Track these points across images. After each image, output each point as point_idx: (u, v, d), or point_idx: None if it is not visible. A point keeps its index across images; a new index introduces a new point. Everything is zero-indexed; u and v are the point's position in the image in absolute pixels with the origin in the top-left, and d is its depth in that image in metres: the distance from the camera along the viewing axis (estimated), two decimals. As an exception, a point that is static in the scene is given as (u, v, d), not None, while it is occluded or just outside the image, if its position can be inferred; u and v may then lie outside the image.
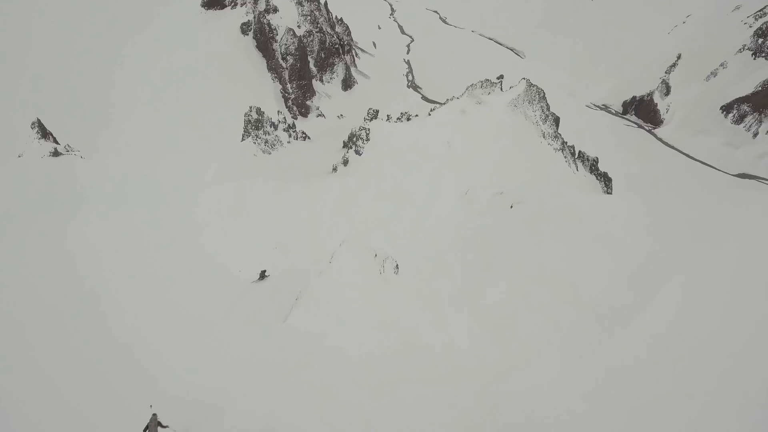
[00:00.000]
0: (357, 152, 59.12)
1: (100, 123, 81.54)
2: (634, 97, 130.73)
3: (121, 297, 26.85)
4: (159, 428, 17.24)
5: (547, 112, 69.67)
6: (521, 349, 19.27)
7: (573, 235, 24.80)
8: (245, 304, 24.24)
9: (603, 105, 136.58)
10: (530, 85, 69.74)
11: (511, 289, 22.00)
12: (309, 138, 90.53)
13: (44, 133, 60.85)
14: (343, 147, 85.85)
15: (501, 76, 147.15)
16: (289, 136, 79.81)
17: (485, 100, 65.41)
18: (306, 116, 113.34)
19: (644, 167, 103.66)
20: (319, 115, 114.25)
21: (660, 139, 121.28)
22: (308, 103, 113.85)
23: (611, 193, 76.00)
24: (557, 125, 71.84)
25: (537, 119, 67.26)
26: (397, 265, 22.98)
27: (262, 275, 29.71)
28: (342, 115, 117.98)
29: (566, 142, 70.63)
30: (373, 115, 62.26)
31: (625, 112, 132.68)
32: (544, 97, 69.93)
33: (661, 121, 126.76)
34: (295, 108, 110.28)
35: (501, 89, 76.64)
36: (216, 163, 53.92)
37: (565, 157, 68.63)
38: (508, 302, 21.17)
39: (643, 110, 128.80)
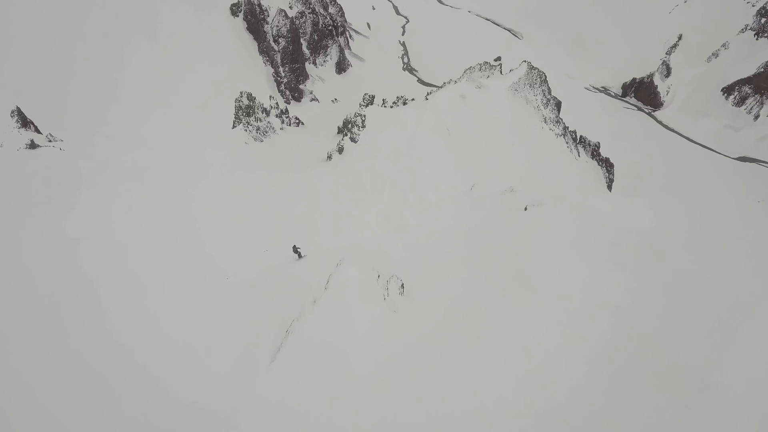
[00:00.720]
0: (352, 139, 56.83)
1: (84, 110, 78.63)
2: (634, 79, 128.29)
3: (121, 296, 24.96)
4: None
5: (549, 96, 67.44)
6: (560, 412, 14.20)
7: (608, 248, 20.34)
8: (238, 314, 22.41)
9: (602, 87, 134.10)
10: (531, 68, 67.33)
11: (545, 321, 17.45)
12: (303, 124, 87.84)
13: (24, 122, 58.13)
14: (338, 133, 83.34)
15: (498, 58, 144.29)
16: (282, 122, 77.13)
17: (485, 84, 63.03)
18: (299, 101, 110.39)
19: (645, 152, 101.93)
20: (312, 100, 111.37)
21: (660, 122, 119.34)
22: (301, 87, 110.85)
23: (613, 179, 74.40)
24: (558, 110, 69.72)
25: (538, 103, 65.05)
26: (402, 284, 19.47)
27: (297, 252, 28.93)
28: (336, 99, 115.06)
29: (567, 127, 68.59)
30: (369, 100, 59.84)
31: (624, 94, 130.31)
32: (545, 81, 67.62)
33: (661, 104, 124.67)
34: (288, 92, 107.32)
35: (501, 72, 74.21)
36: (207, 154, 51.36)
37: (567, 142, 66.69)
38: (542, 339, 16.43)
39: (643, 92, 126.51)
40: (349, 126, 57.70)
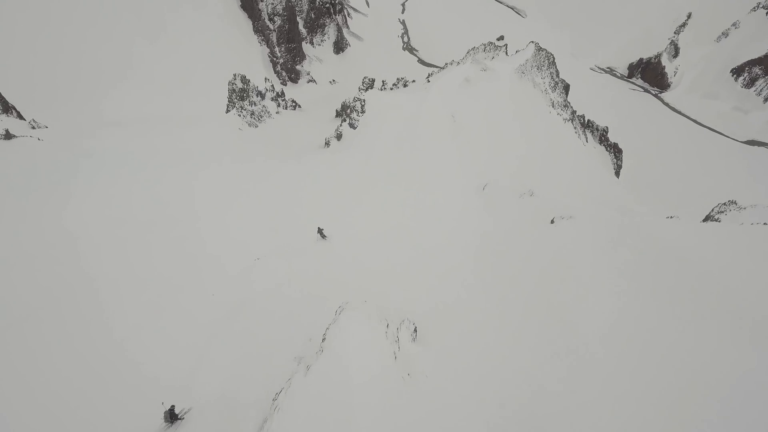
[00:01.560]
0: (351, 125, 54.06)
1: (70, 92, 75.47)
2: (641, 60, 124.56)
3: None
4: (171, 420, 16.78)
5: (557, 79, 64.42)
6: None
7: (669, 280, 16.25)
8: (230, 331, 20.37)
9: (608, 68, 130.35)
10: (539, 49, 64.11)
11: (597, 386, 13.49)
12: (300, 107, 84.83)
13: (5, 107, 55.23)
14: (336, 116, 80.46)
15: (501, 37, 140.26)
16: (278, 105, 74.16)
17: (490, 66, 59.93)
18: (296, 82, 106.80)
19: (651, 135, 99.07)
20: (309, 81, 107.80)
21: (667, 104, 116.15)
22: (298, 67, 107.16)
23: (621, 165, 71.91)
24: (567, 93, 66.75)
25: (546, 87, 62.07)
26: (415, 329, 16.44)
27: (320, 233, 30.27)
28: (334, 81, 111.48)
29: (575, 112, 65.77)
30: (369, 84, 56.72)
31: (630, 75, 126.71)
32: (553, 63, 64.48)
33: (668, 85, 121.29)
34: (284, 73, 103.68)
35: (506, 53, 70.91)
36: (200, 143, 48.58)
37: (575, 128, 63.95)
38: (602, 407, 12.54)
39: (649, 73, 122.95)
40: (348, 111, 54.86)
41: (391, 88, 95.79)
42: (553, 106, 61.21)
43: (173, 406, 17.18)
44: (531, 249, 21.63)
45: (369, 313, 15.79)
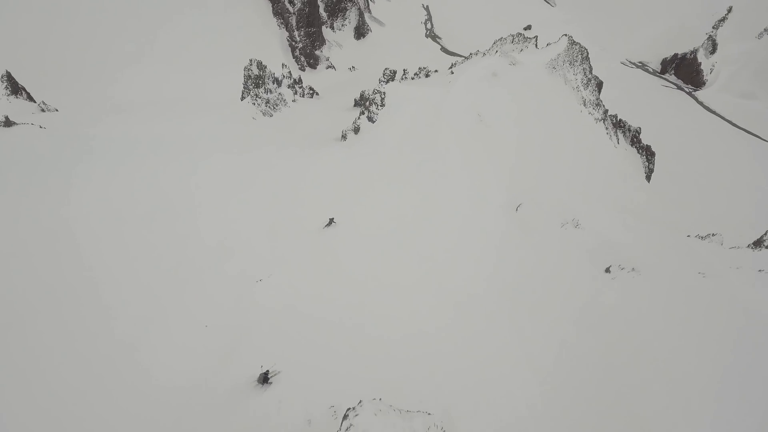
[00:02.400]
0: (370, 119, 51.32)
1: (84, 73, 73.82)
2: (675, 55, 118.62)
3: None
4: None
5: (590, 76, 60.56)
6: None
7: None
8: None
9: (639, 62, 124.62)
10: (573, 43, 60.19)
11: None
12: (317, 94, 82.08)
13: (15, 89, 53.53)
14: (355, 105, 77.62)
15: (529, 27, 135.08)
16: (295, 93, 71.48)
17: (519, 59, 56.39)
18: (314, 68, 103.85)
19: (684, 136, 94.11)
20: (328, 67, 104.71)
21: (701, 103, 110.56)
22: (317, 53, 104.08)
23: (653, 169, 68.03)
24: (599, 90, 62.91)
25: (578, 84, 58.36)
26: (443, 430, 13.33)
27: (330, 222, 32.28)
28: (354, 67, 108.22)
29: (607, 111, 62.01)
30: (390, 76, 53.53)
31: (663, 71, 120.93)
32: (587, 58, 60.55)
33: (704, 83, 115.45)
34: (302, 58, 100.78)
35: (536, 46, 67.01)
36: (211, 133, 46.21)
37: (607, 128, 60.31)
38: None
39: (684, 70, 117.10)
40: (367, 103, 51.99)
41: (413, 78, 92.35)
42: (584, 105, 57.60)
43: (267, 371, 18.80)
44: (586, 311, 18.45)
45: (388, 411, 13.00)
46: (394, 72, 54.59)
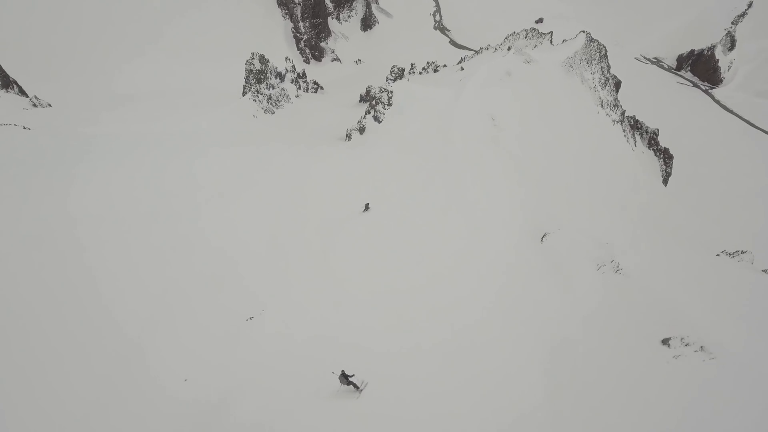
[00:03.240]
0: (376, 119, 48.77)
1: (83, 64, 71.56)
2: (692, 51, 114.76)
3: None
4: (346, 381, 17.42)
5: (608, 75, 57.60)
6: None
7: None
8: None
9: (654, 58, 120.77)
10: (590, 40, 57.14)
11: None
12: (322, 88, 79.45)
13: (5, 83, 51.26)
14: (360, 101, 75.01)
15: (540, 20, 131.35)
16: (298, 87, 68.80)
17: (533, 57, 53.45)
18: (320, 60, 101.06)
19: (702, 137, 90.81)
20: (334, 60, 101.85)
21: (717, 102, 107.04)
22: (322, 45, 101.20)
23: (670, 173, 65.22)
24: (617, 90, 59.97)
25: (595, 83, 55.45)
26: None
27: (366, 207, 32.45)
28: (360, 60, 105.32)
29: (625, 111, 59.14)
30: (398, 74, 50.70)
31: (679, 67, 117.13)
32: (605, 56, 57.57)
33: (720, 80, 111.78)
34: (307, 50, 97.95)
35: (551, 42, 63.94)
36: (209, 134, 43.73)
37: (624, 130, 57.49)
38: None
39: (701, 67, 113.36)
40: (373, 102, 49.36)
41: (420, 73, 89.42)
42: (601, 106, 54.73)
43: (343, 371, 17.51)
44: (651, 407, 15.46)
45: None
46: (402, 70, 51.85)
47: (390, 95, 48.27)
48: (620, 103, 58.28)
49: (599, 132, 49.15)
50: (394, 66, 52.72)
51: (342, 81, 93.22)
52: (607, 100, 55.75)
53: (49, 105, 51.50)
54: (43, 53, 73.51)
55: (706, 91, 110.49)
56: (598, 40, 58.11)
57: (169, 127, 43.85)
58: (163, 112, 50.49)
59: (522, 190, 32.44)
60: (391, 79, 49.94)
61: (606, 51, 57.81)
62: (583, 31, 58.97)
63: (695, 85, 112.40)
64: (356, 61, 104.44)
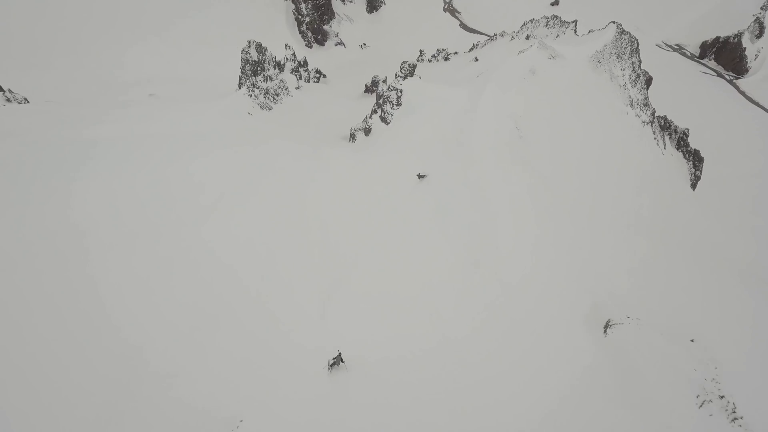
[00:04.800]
0: (383, 119, 43.94)
1: (67, 48, 66.39)
2: (717, 38, 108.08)
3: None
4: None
5: (639, 71, 52.28)
6: None
7: None
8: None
9: (676, 45, 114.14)
10: (621, 32, 51.67)
11: None
12: (324, 76, 74.27)
13: (-28, 72, 46.31)
14: (365, 92, 70.10)
15: (556, 2, 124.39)
16: (299, 77, 63.77)
17: (559, 51, 48.14)
18: (322, 44, 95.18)
19: (730, 133, 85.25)
20: (338, 44, 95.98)
21: (743, 93, 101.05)
22: (326, 27, 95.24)
23: (700, 177, 60.32)
24: (648, 86, 54.75)
25: (625, 81, 50.21)
26: None
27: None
28: (365, 44, 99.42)
29: (655, 111, 54.06)
30: (408, 71, 45.28)
31: (702, 55, 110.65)
32: (637, 50, 52.14)
33: (746, 70, 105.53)
34: (309, 34, 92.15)
35: (575, 32, 58.38)
36: (198, 136, 39.03)
37: (654, 132, 52.52)
38: None
39: (726, 55, 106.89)
40: (381, 101, 44.48)
41: (430, 61, 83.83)
42: (631, 106, 49.61)
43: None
44: None
45: None
46: (414, 66, 46.51)
47: (399, 94, 43.33)
48: (650, 102, 53.14)
49: (628, 134, 44.24)
50: (404, 62, 47.50)
51: (346, 68, 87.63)
52: (638, 99, 50.62)
53: (27, 101, 46.78)
54: (25, 38, 68.33)
55: (730, 81, 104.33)
56: (629, 32, 52.62)
57: (156, 129, 39.07)
58: (147, 109, 45.55)
59: (562, 235, 26.98)
60: (401, 76, 44.89)
61: (638, 44, 52.37)
62: (614, 22, 53.45)
63: (719, 75, 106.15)
64: (361, 46, 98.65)
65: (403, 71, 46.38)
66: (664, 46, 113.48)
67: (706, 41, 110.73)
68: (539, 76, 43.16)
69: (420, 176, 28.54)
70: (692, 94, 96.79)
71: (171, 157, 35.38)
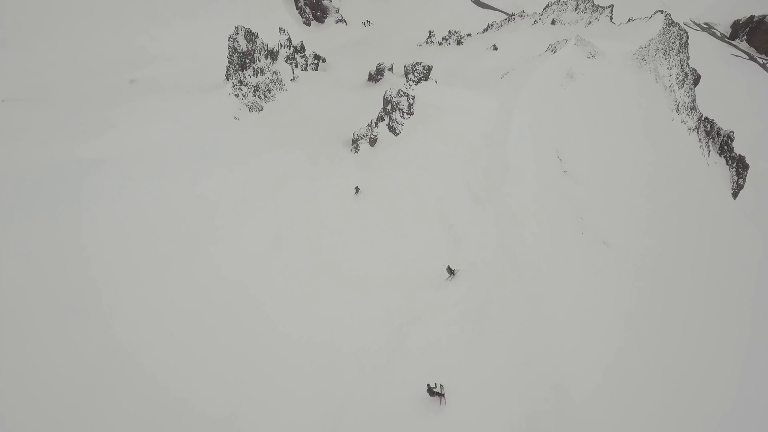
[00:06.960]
0: (392, 129, 37.23)
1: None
2: (751, 17, 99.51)
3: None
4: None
5: (687, 69, 45.19)
6: None
7: None
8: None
9: (706, 24, 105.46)
10: (670, 23, 44.32)
11: None
12: (323, 61, 66.95)
13: None
14: (369, 80, 63.19)
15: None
16: (295, 66, 56.53)
17: (598, 48, 40.95)
18: (322, 21, 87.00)
19: (760, 125, 78.18)
20: (339, 21, 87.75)
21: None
22: (325, 3, 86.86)
23: (743, 185, 53.95)
24: (695, 85, 47.77)
25: (672, 81, 43.26)
26: None
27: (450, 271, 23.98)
28: (369, 22, 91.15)
29: (702, 115, 47.34)
30: (423, 74, 37.91)
31: (734, 36, 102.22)
32: (686, 45, 44.89)
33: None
34: (307, 10, 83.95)
35: (611, 19, 50.83)
36: (170, 153, 32.50)
37: (699, 138, 46.01)
38: None
39: (759, 36, 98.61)
40: (389, 108, 37.75)
41: (440, 44, 76.02)
42: (677, 111, 42.89)
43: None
44: None
45: None
46: (429, 68, 38.95)
47: (411, 101, 36.60)
48: (697, 105, 46.33)
49: (674, 146, 37.69)
50: (418, 63, 40.11)
51: (348, 49, 79.91)
52: (684, 102, 43.84)
53: (3, 100, 40.26)
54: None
55: (763, 66, 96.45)
56: (678, 24, 45.23)
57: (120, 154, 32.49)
58: (123, 120, 38.70)
59: (603, 261, 20.32)
60: (413, 80, 37.91)
61: (687, 38, 45.07)
62: (660, 11, 46.01)
63: (751, 58, 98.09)
64: (364, 23, 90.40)
65: (416, 74, 39.36)
66: (692, 24, 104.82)
67: (738, 20, 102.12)
68: (578, 81, 36.25)
69: (450, 271, 21.75)
70: (723, 82, 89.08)
71: (141, 186, 29.05)
